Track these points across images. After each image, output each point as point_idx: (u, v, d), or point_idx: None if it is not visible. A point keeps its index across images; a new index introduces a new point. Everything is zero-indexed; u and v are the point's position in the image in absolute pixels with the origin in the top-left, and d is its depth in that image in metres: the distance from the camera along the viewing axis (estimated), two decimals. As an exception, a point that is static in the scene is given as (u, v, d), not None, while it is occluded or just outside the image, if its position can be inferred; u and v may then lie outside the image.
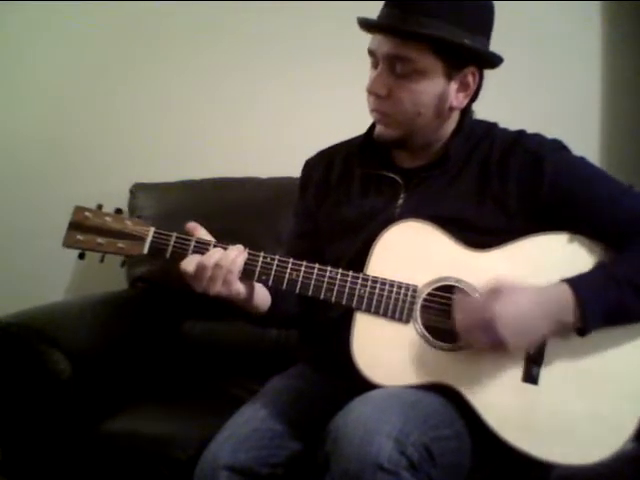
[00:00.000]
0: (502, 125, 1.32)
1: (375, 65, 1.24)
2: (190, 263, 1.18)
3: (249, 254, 1.21)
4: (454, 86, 1.23)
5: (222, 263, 1.17)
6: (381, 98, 1.22)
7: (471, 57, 1.22)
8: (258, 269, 1.21)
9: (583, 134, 2.09)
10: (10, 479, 1.52)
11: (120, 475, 1.45)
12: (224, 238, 1.96)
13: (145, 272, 1.96)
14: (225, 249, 1.20)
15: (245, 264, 1.20)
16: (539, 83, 2.10)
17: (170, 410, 1.63)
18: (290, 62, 2.14)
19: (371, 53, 1.24)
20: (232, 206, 1.98)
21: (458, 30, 1.18)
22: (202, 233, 1.24)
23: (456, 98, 1.24)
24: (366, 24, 1.22)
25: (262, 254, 1.21)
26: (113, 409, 1.59)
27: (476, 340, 1.14)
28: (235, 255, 1.18)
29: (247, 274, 1.21)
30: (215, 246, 1.21)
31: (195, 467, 1.21)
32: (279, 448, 1.21)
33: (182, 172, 2.10)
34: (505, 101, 2.07)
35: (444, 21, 1.17)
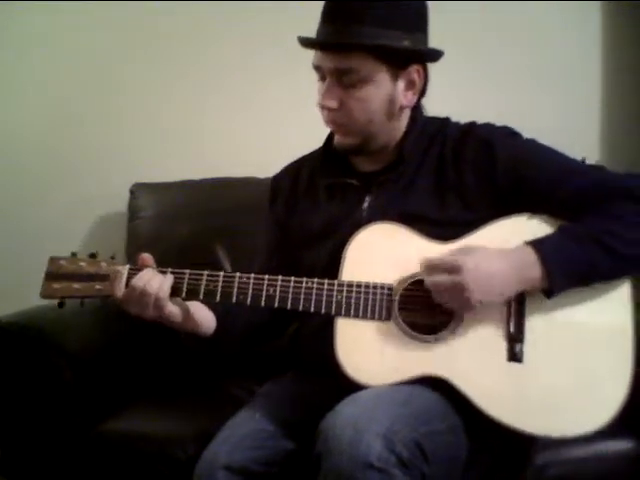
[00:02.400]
0: (502, 125, 1.32)
1: (322, 78, 1.27)
2: (119, 292, 1.22)
3: (191, 274, 1.24)
4: (401, 86, 1.26)
5: (149, 291, 1.20)
6: (334, 110, 1.25)
7: (413, 56, 1.25)
8: (203, 287, 1.23)
9: (583, 134, 2.09)
10: (10, 479, 1.53)
11: (120, 475, 1.45)
12: (224, 238, 1.97)
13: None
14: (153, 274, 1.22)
15: (188, 283, 1.23)
16: (539, 83, 2.10)
17: (170, 410, 1.63)
18: (290, 62, 2.12)
19: (316, 68, 1.27)
20: (232, 206, 1.98)
21: (396, 32, 1.21)
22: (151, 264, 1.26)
23: (405, 97, 1.27)
24: (306, 43, 1.25)
25: (206, 272, 1.24)
26: (113, 409, 1.59)
27: (446, 298, 1.16)
28: (159, 284, 1.21)
29: (191, 293, 1.24)
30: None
31: (194, 467, 1.22)
32: (275, 448, 1.23)
33: (182, 172, 2.10)
34: (504, 101, 2.07)
35: (381, 26, 1.20)
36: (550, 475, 1.31)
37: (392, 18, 1.20)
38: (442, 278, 1.14)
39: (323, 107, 1.26)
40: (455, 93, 1.98)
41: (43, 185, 2.23)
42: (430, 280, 1.16)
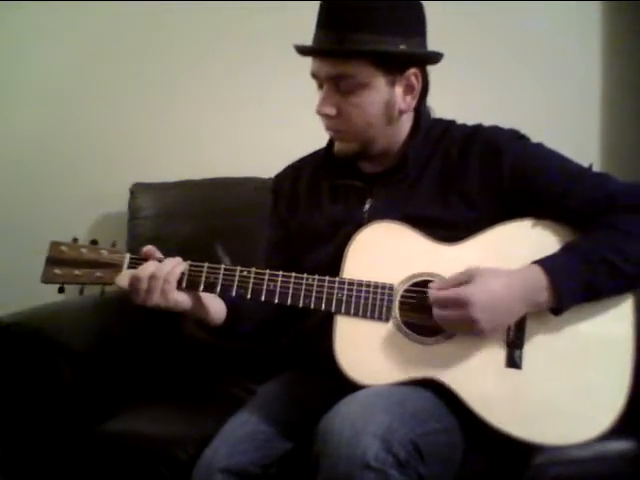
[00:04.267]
0: (503, 125, 1.32)
1: (320, 86, 1.26)
2: (123, 278, 1.21)
3: (191, 265, 1.23)
4: (399, 90, 1.25)
5: (158, 274, 1.18)
6: (332, 117, 1.25)
7: (410, 60, 1.24)
8: (203, 279, 1.22)
9: (583, 134, 2.09)
10: (10, 479, 1.52)
11: (120, 475, 1.45)
12: (224, 238, 1.97)
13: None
14: (160, 261, 1.21)
15: (189, 275, 1.22)
16: (539, 83, 2.10)
17: (170, 410, 1.63)
18: (290, 62, 2.12)
19: (314, 76, 1.26)
20: (232, 206, 1.98)
21: (392, 37, 1.20)
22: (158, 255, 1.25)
23: (403, 101, 1.27)
24: (303, 51, 1.25)
25: (207, 264, 1.23)
26: (113, 409, 1.59)
27: (455, 329, 1.17)
28: (172, 266, 1.20)
29: (192, 284, 1.22)
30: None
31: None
32: (273, 449, 1.23)
33: (182, 172, 2.10)
34: (505, 101, 2.07)
35: (376, 32, 1.19)
36: (550, 475, 1.31)
37: (388, 23, 1.20)
38: (451, 313, 1.13)
39: (320, 114, 1.26)
40: (455, 94, 1.98)
41: (43, 185, 2.23)
42: (439, 315, 1.15)
